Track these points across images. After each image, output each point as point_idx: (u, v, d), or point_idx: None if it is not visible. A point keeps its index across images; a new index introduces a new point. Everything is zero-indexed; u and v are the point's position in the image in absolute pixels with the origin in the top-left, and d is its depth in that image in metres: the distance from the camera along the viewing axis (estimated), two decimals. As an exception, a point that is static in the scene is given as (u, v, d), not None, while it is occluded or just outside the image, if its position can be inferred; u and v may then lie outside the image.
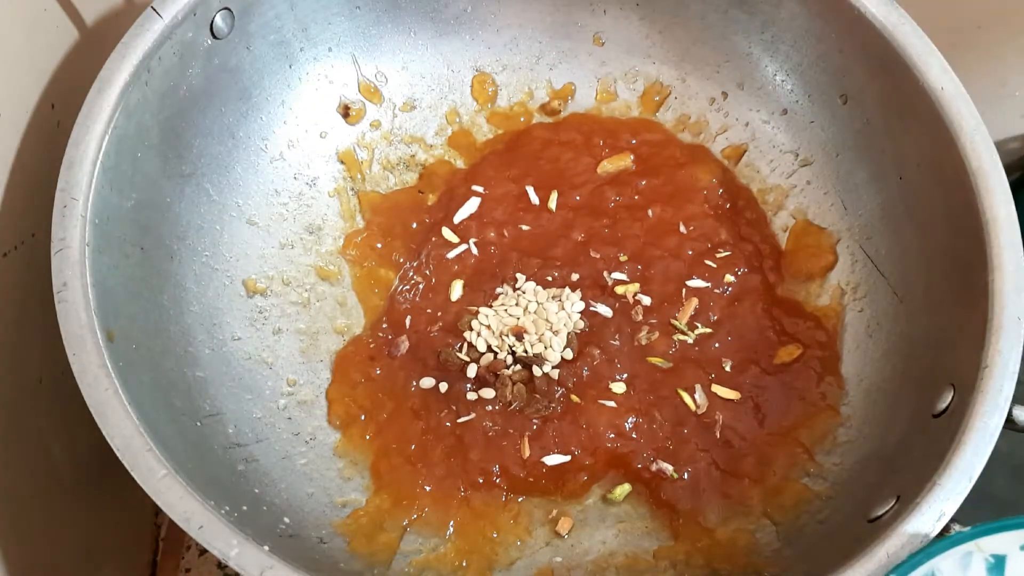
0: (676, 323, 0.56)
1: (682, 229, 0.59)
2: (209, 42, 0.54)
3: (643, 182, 0.61)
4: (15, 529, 0.47)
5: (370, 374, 0.57)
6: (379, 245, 0.61)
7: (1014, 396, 0.44)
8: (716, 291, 0.58)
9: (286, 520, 0.48)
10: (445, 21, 0.64)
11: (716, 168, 0.62)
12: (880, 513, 0.44)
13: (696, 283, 0.58)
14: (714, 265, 0.58)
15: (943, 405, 0.46)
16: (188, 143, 0.55)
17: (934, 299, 0.51)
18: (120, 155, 0.49)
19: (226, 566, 0.62)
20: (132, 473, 0.40)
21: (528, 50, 0.65)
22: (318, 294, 0.59)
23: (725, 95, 0.63)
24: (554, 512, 0.53)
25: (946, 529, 0.42)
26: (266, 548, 0.39)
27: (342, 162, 0.63)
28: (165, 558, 0.65)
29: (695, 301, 0.57)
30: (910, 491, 0.43)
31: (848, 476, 0.51)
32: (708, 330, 0.56)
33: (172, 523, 0.63)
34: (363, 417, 0.55)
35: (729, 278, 0.58)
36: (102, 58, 0.48)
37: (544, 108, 0.65)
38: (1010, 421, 0.44)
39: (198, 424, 0.49)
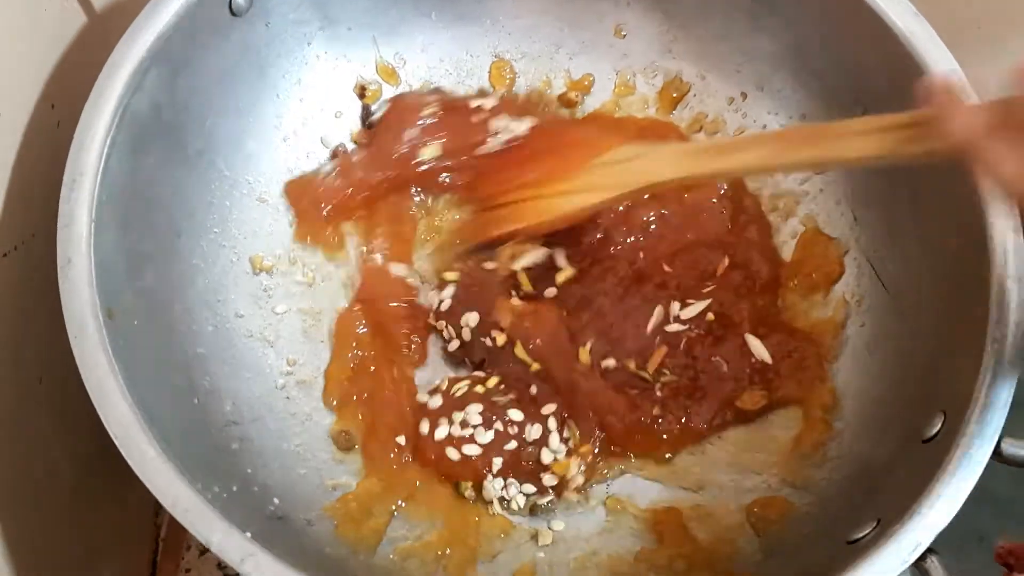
0: (644, 374, 0.55)
1: (665, 268, 0.58)
2: (227, 19, 0.54)
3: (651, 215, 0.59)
4: (15, 529, 0.47)
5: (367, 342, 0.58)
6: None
7: (1004, 428, 0.44)
8: (693, 332, 0.56)
9: (276, 501, 0.49)
10: (466, 4, 0.63)
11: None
12: (859, 536, 0.44)
13: (674, 327, 0.56)
14: (695, 305, 0.56)
15: (933, 431, 0.46)
16: (201, 120, 0.55)
17: (935, 321, 0.51)
18: (131, 131, 0.49)
19: (226, 566, 0.64)
20: (123, 452, 0.41)
21: (548, 38, 0.65)
22: (324, 274, 0.60)
23: (744, 95, 0.63)
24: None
25: (922, 559, 0.42)
26: (248, 535, 0.40)
27: (356, 143, 0.63)
28: (165, 558, 0.64)
29: (664, 349, 0.55)
30: (890, 516, 0.43)
31: (834, 493, 0.51)
32: (674, 378, 0.55)
33: (172, 523, 0.64)
34: (355, 398, 0.56)
35: (710, 316, 0.56)
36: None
37: (561, 99, 0.65)
38: (997, 454, 0.44)
39: (195, 401, 0.50)
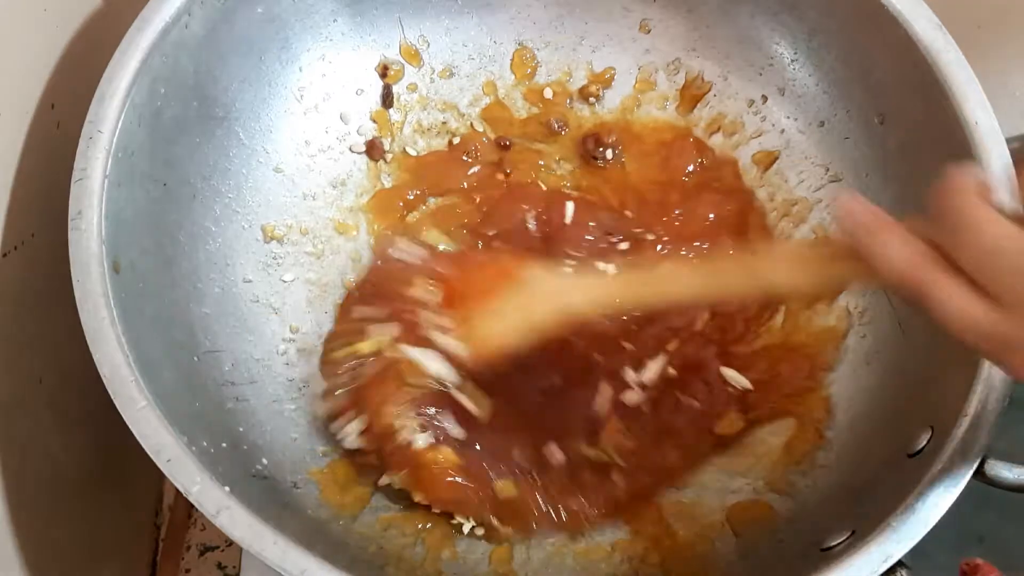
0: (601, 454, 0.52)
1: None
2: (255, -13, 0.55)
3: None
4: (15, 530, 0.47)
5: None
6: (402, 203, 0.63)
7: (989, 449, 0.43)
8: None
9: (264, 461, 0.50)
10: (494, -10, 0.64)
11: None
12: (833, 544, 0.44)
13: (632, 396, 0.53)
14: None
15: (919, 446, 0.46)
16: (224, 87, 0.56)
17: (932, 336, 0.50)
18: (152, 93, 0.50)
19: (226, 566, 0.64)
20: (114, 401, 0.42)
21: (573, 29, 0.65)
22: (333, 247, 0.61)
23: (765, 98, 0.62)
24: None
25: (891, 571, 0.42)
26: (227, 489, 0.41)
27: (375, 121, 0.63)
28: (165, 558, 0.64)
29: (615, 423, 0.52)
30: (865, 527, 0.43)
31: (816, 500, 0.51)
32: (634, 442, 0.52)
33: (172, 523, 0.64)
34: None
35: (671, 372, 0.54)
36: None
37: (582, 92, 0.65)
38: (981, 473, 0.44)
39: (195, 359, 0.51)
